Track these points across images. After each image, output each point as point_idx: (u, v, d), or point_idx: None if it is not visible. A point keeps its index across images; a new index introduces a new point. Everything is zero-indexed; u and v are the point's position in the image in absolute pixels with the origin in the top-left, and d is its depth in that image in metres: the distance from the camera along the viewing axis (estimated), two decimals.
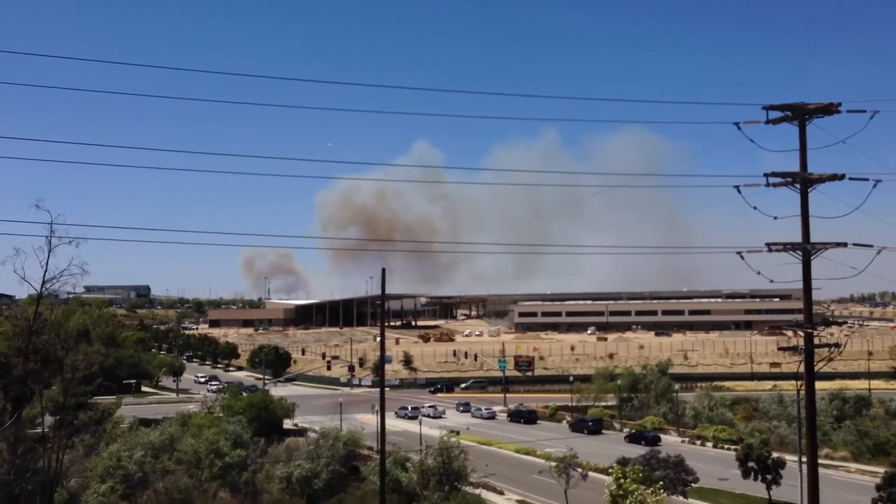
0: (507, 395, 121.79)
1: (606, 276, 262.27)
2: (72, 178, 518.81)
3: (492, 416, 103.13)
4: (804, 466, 29.28)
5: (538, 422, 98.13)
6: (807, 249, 24.28)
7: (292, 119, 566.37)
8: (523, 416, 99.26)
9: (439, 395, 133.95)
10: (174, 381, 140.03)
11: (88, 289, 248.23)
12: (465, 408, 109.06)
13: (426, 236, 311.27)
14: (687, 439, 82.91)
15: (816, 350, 25.11)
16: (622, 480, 41.91)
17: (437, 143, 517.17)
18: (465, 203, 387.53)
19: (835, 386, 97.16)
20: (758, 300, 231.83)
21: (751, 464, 54.55)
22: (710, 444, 79.49)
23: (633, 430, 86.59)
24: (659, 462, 53.18)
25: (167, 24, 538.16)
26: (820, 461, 28.90)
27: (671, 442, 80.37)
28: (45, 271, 40.32)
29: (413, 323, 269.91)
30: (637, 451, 74.52)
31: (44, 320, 45.57)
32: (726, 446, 76.04)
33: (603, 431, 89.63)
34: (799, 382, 27.01)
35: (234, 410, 75.68)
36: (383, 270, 42.24)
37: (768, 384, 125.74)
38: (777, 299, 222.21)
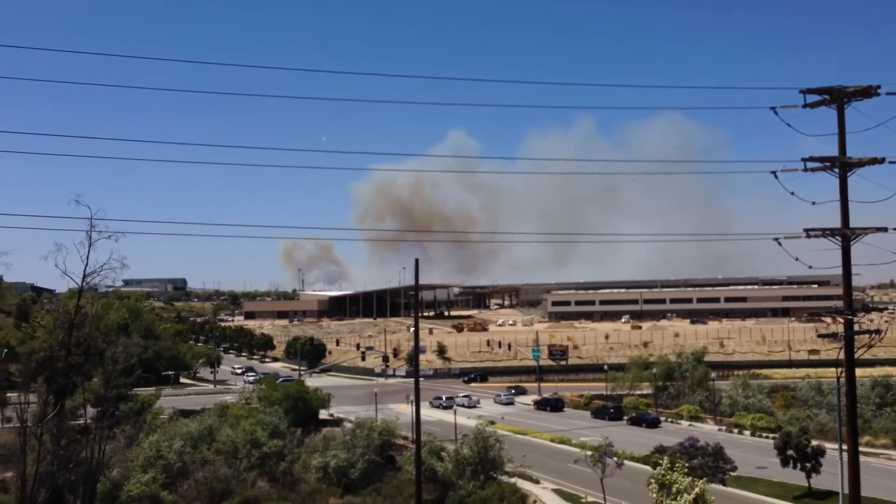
0: (542, 384, 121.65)
1: (644, 263, 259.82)
2: (111, 173, 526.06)
3: (510, 403, 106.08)
4: (845, 454, 28.92)
5: (564, 409, 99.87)
6: (846, 235, 23.90)
7: (326, 111, 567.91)
8: (549, 404, 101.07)
9: (473, 384, 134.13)
10: (211, 372, 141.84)
11: (127, 282, 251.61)
12: (504, 395, 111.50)
13: (463, 226, 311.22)
14: (724, 427, 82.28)
15: (856, 337, 24.75)
16: (668, 474, 41.36)
17: (472, 131, 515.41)
18: (502, 192, 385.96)
19: (876, 373, 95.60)
20: (795, 287, 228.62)
21: (790, 452, 53.99)
22: (747, 433, 78.81)
23: (634, 414, 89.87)
24: (697, 450, 52.91)
25: (205, 18, 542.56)
26: (861, 449, 28.52)
27: (708, 430, 79.82)
28: (86, 265, 40.87)
29: (446, 313, 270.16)
30: (649, 434, 77.09)
31: (84, 314, 46.27)
32: (764, 434, 75.31)
33: (623, 418, 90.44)
34: (839, 370, 26.66)
35: (271, 401, 76.51)
36: (416, 261, 42.30)
37: (807, 371, 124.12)
38: (815, 286, 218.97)
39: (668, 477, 37.66)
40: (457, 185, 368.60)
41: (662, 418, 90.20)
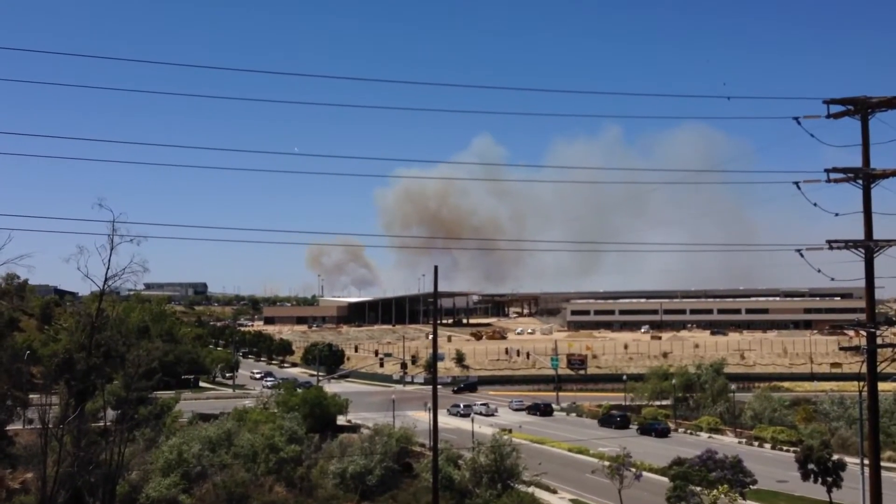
0: (560, 393, 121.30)
1: (670, 272, 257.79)
2: (134, 177, 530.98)
3: (521, 409, 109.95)
4: (866, 469, 28.60)
5: (553, 414, 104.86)
6: (869, 247, 23.69)
7: (353, 117, 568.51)
8: (539, 409, 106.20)
9: (462, 394, 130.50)
10: (229, 376, 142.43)
11: (148, 286, 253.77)
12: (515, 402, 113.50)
13: (491, 233, 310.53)
14: (744, 440, 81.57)
15: (879, 350, 24.51)
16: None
17: (498, 136, 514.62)
18: (530, 199, 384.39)
19: None
20: (818, 299, 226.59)
21: (811, 466, 53.38)
22: (768, 446, 78.10)
23: (644, 423, 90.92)
24: (716, 463, 52.47)
25: (235, 23, 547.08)
26: (883, 463, 28.21)
27: (728, 443, 79.17)
28: (108, 269, 41.33)
29: (464, 321, 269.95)
30: (662, 445, 77.29)
31: (106, 317, 46.77)
32: (785, 448, 74.63)
33: (630, 426, 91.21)
34: (861, 383, 26.41)
35: (289, 406, 76.73)
36: (436, 268, 42.31)
37: (828, 385, 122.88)
38: (838, 298, 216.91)
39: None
40: (484, 192, 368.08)
41: (681, 430, 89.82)
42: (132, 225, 39.88)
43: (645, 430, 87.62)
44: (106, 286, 42.53)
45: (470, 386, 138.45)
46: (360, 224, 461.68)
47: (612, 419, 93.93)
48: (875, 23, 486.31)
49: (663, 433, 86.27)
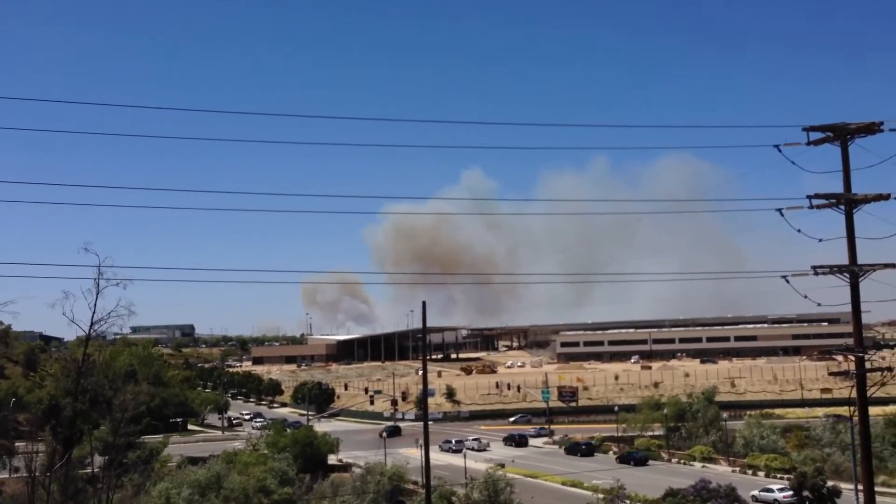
0: (552, 426, 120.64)
1: (664, 300, 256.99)
2: (119, 219, 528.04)
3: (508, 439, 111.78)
4: (860, 494, 28.52)
5: (528, 445, 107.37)
6: (854, 271, 23.83)
7: (339, 155, 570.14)
8: (514, 440, 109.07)
9: (391, 437, 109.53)
10: (220, 418, 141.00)
11: (135, 329, 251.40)
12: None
13: (484, 266, 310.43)
14: (738, 469, 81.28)
15: (868, 374, 24.57)
16: None
17: (487, 169, 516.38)
18: (521, 231, 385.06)
19: (890, 411, 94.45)
20: (805, 325, 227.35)
21: (805, 493, 53.29)
22: (762, 474, 77.76)
23: (624, 452, 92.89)
24: (710, 492, 52.24)
25: (214, 63, 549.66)
26: (876, 488, 28.13)
27: (721, 472, 78.87)
28: (94, 313, 40.82)
29: (454, 356, 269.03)
30: (645, 475, 77.67)
31: (92, 361, 46.19)
32: (779, 475, 74.32)
33: (594, 454, 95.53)
34: (852, 408, 26.42)
35: (280, 447, 76.03)
36: (423, 304, 42.16)
37: (820, 411, 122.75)
38: (825, 323, 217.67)
39: None
40: (477, 225, 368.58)
41: (674, 460, 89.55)
42: (118, 269, 39.37)
43: (624, 460, 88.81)
44: (92, 331, 42.05)
45: (394, 430, 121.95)
46: (353, 260, 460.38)
47: (578, 447, 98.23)
48: (853, 49, 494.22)
49: (641, 462, 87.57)
